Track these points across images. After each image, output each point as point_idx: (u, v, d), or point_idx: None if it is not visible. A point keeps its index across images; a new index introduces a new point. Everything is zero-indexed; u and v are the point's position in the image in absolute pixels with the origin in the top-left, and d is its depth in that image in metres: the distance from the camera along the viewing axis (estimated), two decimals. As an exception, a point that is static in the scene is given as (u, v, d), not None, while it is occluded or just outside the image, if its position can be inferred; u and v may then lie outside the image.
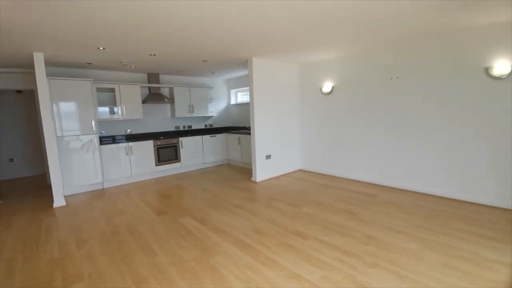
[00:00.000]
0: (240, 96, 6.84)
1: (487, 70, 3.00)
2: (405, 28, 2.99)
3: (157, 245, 2.50)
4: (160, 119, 5.82)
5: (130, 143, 4.82)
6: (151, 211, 3.40)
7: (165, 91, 5.80)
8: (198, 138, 5.73)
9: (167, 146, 5.27)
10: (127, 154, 4.77)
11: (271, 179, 4.74)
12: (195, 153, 5.68)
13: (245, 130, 6.04)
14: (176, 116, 5.73)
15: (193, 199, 3.84)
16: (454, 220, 2.76)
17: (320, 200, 3.57)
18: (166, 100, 5.54)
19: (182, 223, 2.99)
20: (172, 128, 6.01)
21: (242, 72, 5.76)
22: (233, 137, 5.96)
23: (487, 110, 3.05)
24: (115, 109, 4.92)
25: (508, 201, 2.97)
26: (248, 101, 4.54)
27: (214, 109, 6.61)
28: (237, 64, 4.88)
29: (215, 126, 6.76)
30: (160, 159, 5.18)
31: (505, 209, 2.96)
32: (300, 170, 5.32)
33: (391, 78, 3.80)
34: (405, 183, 3.81)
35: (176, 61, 4.37)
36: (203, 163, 5.85)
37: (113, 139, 5.02)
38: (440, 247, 2.27)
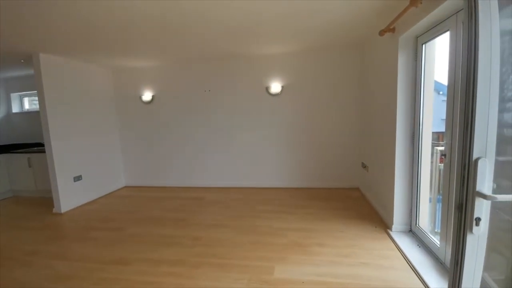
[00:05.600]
0: (30, 103, 5.10)
1: (267, 89, 4.09)
2: (213, 48, 3.48)
3: None
4: None
5: None
6: None
7: None
8: None
9: None
10: None
11: (85, 204, 3.87)
12: None
13: (40, 147, 4.55)
14: None
15: None
16: (257, 203, 3.54)
17: (149, 215, 3.35)
18: None
19: None
20: None
21: (29, 71, 4.31)
22: (19, 158, 4.30)
23: (271, 118, 4.14)
24: None
25: (287, 182, 4.21)
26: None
27: (-22, 121, 4.48)
28: (16, 60, 3.58)
29: (-18, 145, 4.59)
30: None
31: (286, 188, 4.17)
32: (125, 186, 4.75)
33: (205, 91, 4.27)
34: (225, 182, 4.41)
35: None
36: (-42, 203, 3.78)
37: None
38: (248, 228, 2.81)
